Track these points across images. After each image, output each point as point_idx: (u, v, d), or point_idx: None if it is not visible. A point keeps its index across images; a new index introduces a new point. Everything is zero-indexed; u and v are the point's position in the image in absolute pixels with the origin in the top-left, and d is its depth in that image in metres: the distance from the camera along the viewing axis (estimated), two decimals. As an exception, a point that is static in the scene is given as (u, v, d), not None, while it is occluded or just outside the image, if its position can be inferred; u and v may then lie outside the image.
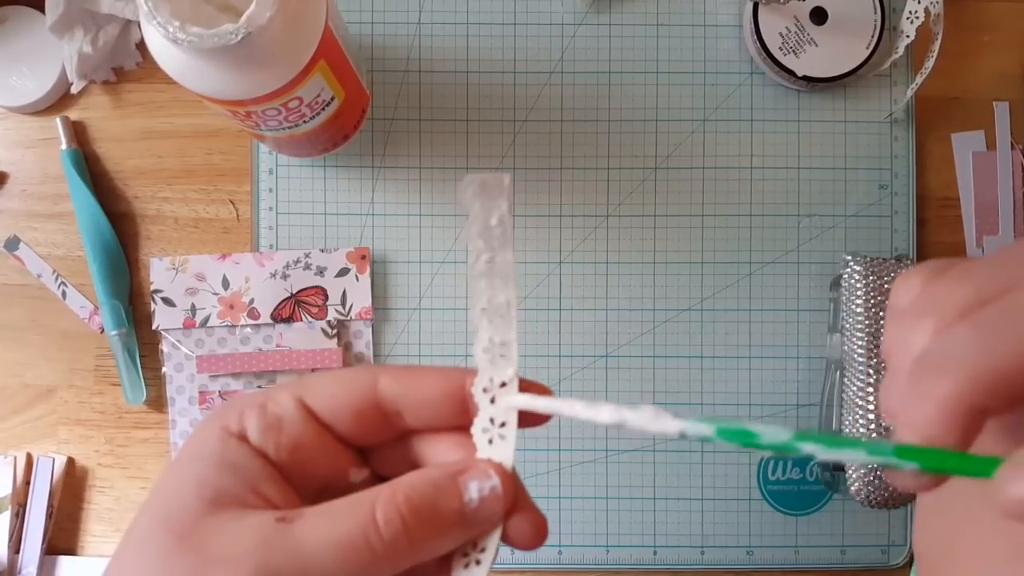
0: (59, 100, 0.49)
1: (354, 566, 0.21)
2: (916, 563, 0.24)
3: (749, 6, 0.46)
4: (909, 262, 0.44)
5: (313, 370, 0.47)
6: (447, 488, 0.23)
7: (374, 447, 0.26)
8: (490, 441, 0.24)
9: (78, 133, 0.49)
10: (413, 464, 0.25)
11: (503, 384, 0.24)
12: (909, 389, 0.20)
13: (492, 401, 0.24)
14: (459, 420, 0.24)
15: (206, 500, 0.22)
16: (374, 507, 0.22)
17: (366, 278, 0.48)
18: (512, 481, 0.23)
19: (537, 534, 0.24)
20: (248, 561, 0.21)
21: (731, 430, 0.21)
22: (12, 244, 0.48)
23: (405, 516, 0.22)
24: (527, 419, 0.24)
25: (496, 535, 0.23)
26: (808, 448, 0.20)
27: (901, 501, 0.43)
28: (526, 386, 0.24)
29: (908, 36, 0.45)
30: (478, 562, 0.23)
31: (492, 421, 0.24)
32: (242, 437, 0.24)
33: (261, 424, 0.24)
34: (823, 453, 0.20)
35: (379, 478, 0.26)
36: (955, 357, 0.20)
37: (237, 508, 0.22)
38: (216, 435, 0.24)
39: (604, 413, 0.22)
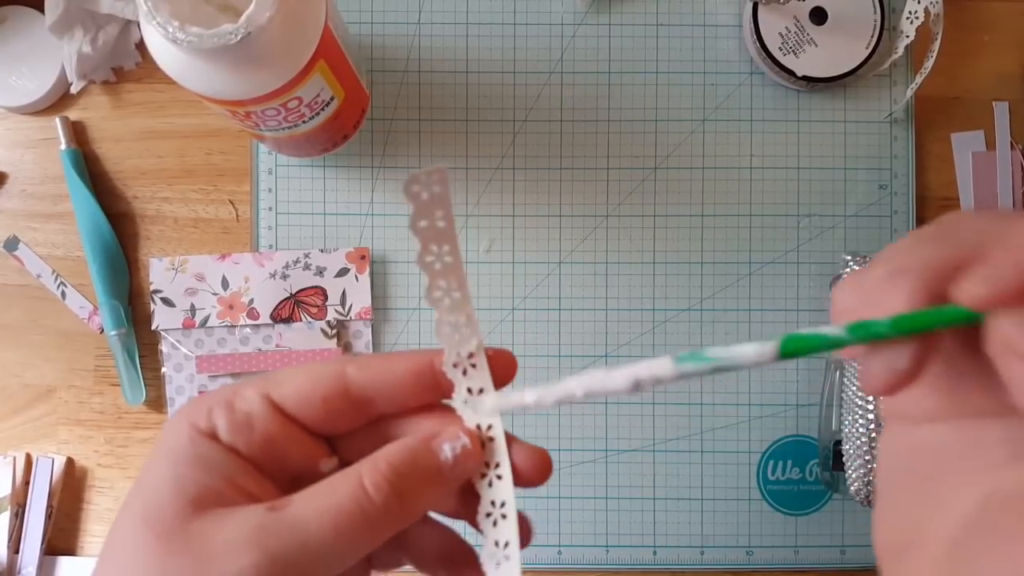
0: (59, 100, 0.49)
1: (351, 534, 0.23)
2: (877, 560, 0.24)
3: (749, 6, 0.46)
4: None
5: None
6: (424, 451, 0.24)
7: (343, 435, 0.26)
8: (474, 409, 0.25)
9: (78, 133, 0.49)
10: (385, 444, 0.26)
11: (471, 355, 0.25)
12: (879, 285, 0.21)
13: (464, 373, 0.25)
14: (430, 398, 0.26)
15: (188, 499, 0.23)
16: (361, 477, 0.23)
17: (366, 278, 0.48)
18: (478, 441, 0.25)
19: (542, 464, 0.25)
20: (247, 549, 0.22)
21: (798, 338, 0.21)
22: (11, 244, 0.48)
23: (391, 479, 0.23)
24: (500, 377, 0.25)
25: (510, 491, 0.25)
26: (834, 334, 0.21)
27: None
28: (492, 354, 0.25)
29: (908, 36, 0.45)
30: (504, 516, 0.25)
31: (470, 391, 0.25)
32: (212, 435, 0.24)
33: (230, 423, 0.24)
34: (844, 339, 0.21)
35: (347, 465, 0.26)
36: (913, 253, 0.21)
37: (221, 506, 0.23)
38: (186, 434, 0.24)
39: (617, 379, 0.23)
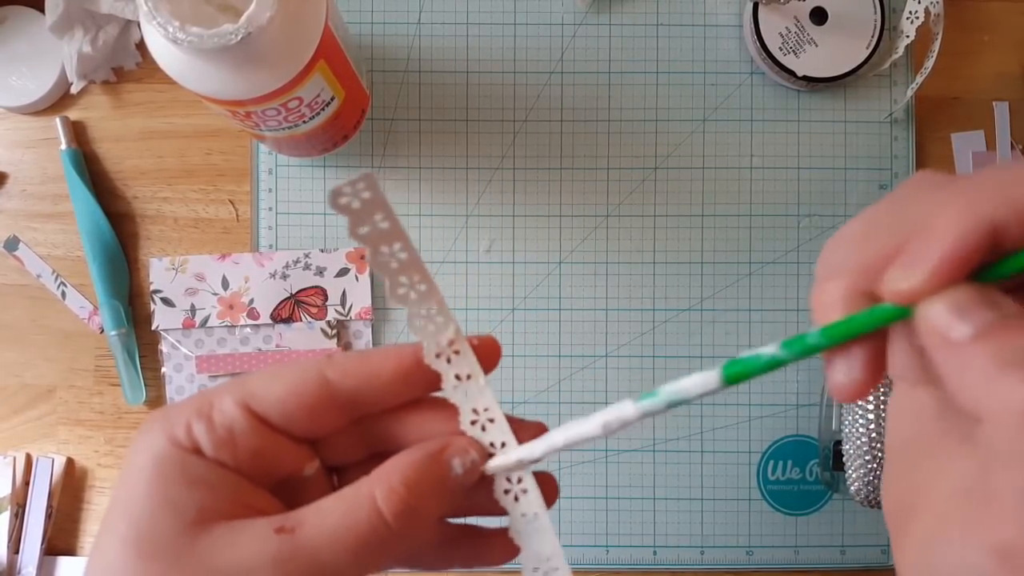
0: (59, 100, 0.49)
1: (367, 558, 0.23)
2: (886, 522, 0.24)
3: (749, 6, 0.46)
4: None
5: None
6: (434, 467, 0.24)
7: (325, 436, 0.26)
8: (466, 394, 0.25)
9: (78, 133, 0.49)
10: (368, 446, 0.26)
11: (451, 342, 0.25)
12: (815, 292, 0.21)
13: (448, 362, 0.25)
14: (419, 394, 0.25)
15: (188, 521, 0.22)
16: (375, 499, 0.23)
17: (366, 278, 0.48)
18: (484, 452, 0.25)
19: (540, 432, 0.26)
20: None
21: (740, 365, 0.21)
22: (12, 244, 0.48)
23: (407, 499, 0.23)
24: (486, 364, 0.25)
25: (529, 474, 0.25)
26: (772, 351, 0.21)
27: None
28: (477, 343, 0.25)
29: (908, 36, 0.45)
30: (524, 491, 0.25)
31: (458, 377, 0.25)
32: (197, 452, 0.23)
33: (212, 438, 0.23)
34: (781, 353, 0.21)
35: (326, 467, 0.26)
36: (843, 253, 0.22)
37: (224, 521, 0.22)
38: (169, 452, 0.23)
39: (593, 423, 0.24)
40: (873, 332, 0.20)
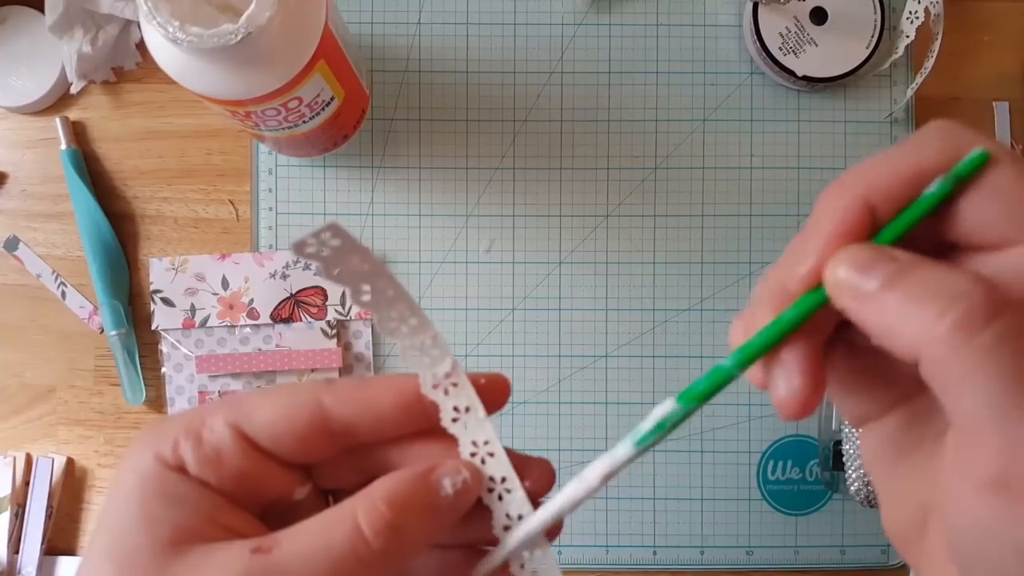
0: (59, 100, 0.49)
1: None
2: (900, 553, 0.25)
3: (749, 6, 0.46)
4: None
5: (313, 371, 0.47)
6: (423, 486, 0.23)
7: (319, 463, 0.25)
8: (465, 427, 0.24)
9: (78, 133, 0.49)
10: (365, 471, 0.25)
11: (447, 374, 0.24)
12: (751, 318, 0.22)
13: (446, 393, 0.24)
14: (420, 426, 0.24)
15: (162, 540, 0.21)
16: (356, 517, 0.22)
17: (366, 278, 0.48)
18: (478, 472, 0.24)
19: (548, 476, 0.25)
20: None
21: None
22: (11, 244, 0.48)
23: (390, 520, 0.22)
24: (493, 403, 0.25)
25: (549, 555, 0.24)
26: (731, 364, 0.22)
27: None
28: (485, 381, 0.25)
29: (908, 36, 0.45)
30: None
31: (456, 409, 0.24)
32: (181, 469, 0.23)
33: (198, 457, 0.23)
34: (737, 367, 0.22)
35: (322, 491, 0.25)
36: (767, 280, 0.23)
37: (201, 543, 0.22)
38: (153, 468, 0.23)
39: (596, 471, 0.24)
40: (802, 328, 0.21)
